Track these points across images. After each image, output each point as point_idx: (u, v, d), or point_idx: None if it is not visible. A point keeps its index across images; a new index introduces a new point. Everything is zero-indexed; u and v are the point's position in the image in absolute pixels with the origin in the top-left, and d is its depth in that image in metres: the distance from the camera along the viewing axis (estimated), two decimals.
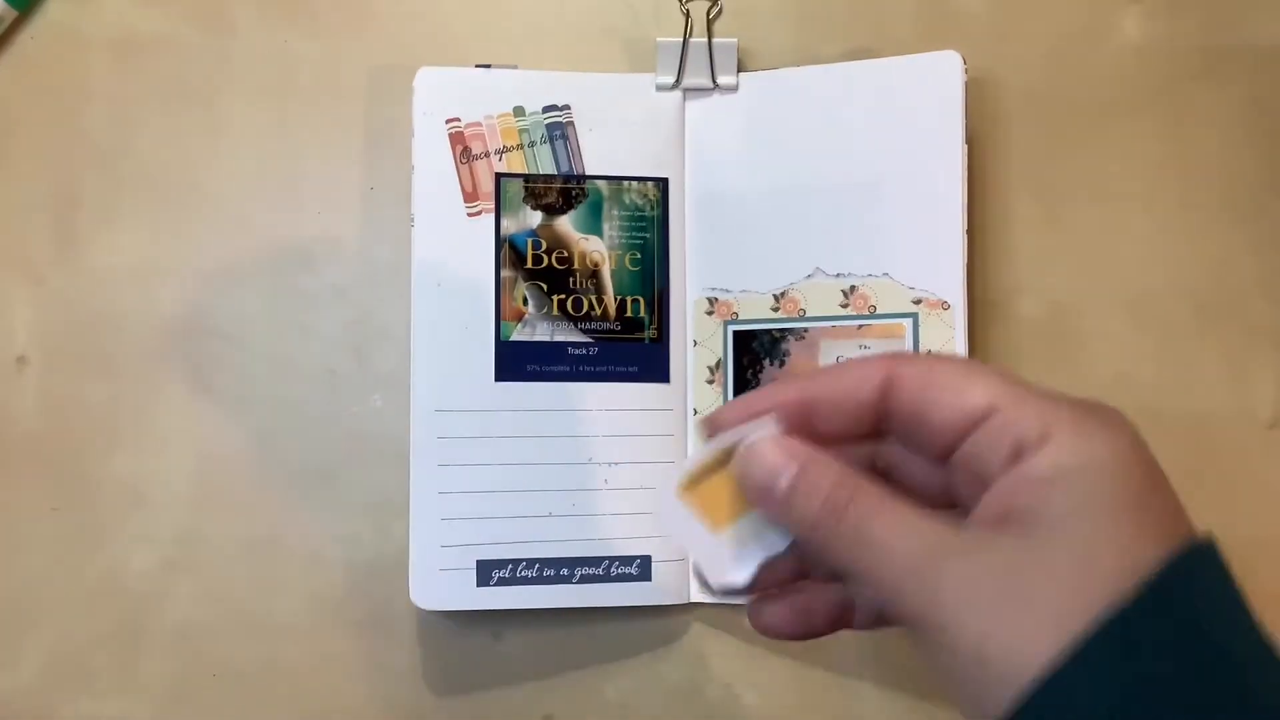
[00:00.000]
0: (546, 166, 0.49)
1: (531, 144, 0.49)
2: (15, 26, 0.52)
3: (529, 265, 0.49)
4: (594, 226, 0.50)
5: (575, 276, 0.49)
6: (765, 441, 0.30)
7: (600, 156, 0.50)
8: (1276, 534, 0.49)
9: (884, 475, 0.31)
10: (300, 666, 0.50)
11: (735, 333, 0.50)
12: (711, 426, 0.31)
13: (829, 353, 0.49)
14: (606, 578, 0.48)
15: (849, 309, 0.49)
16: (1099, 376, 0.50)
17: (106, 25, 0.52)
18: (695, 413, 0.50)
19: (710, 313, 0.50)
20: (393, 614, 0.50)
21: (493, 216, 0.49)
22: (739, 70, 0.50)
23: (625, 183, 0.50)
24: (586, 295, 0.50)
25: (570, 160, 0.50)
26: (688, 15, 0.49)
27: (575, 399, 0.49)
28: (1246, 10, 0.52)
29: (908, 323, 0.48)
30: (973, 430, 0.28)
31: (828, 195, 0.49)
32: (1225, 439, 0.50)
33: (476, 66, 0.50)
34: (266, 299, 0.51)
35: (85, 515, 0.50)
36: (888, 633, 0.49)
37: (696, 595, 0.49)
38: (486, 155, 0.49)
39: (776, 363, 0.49)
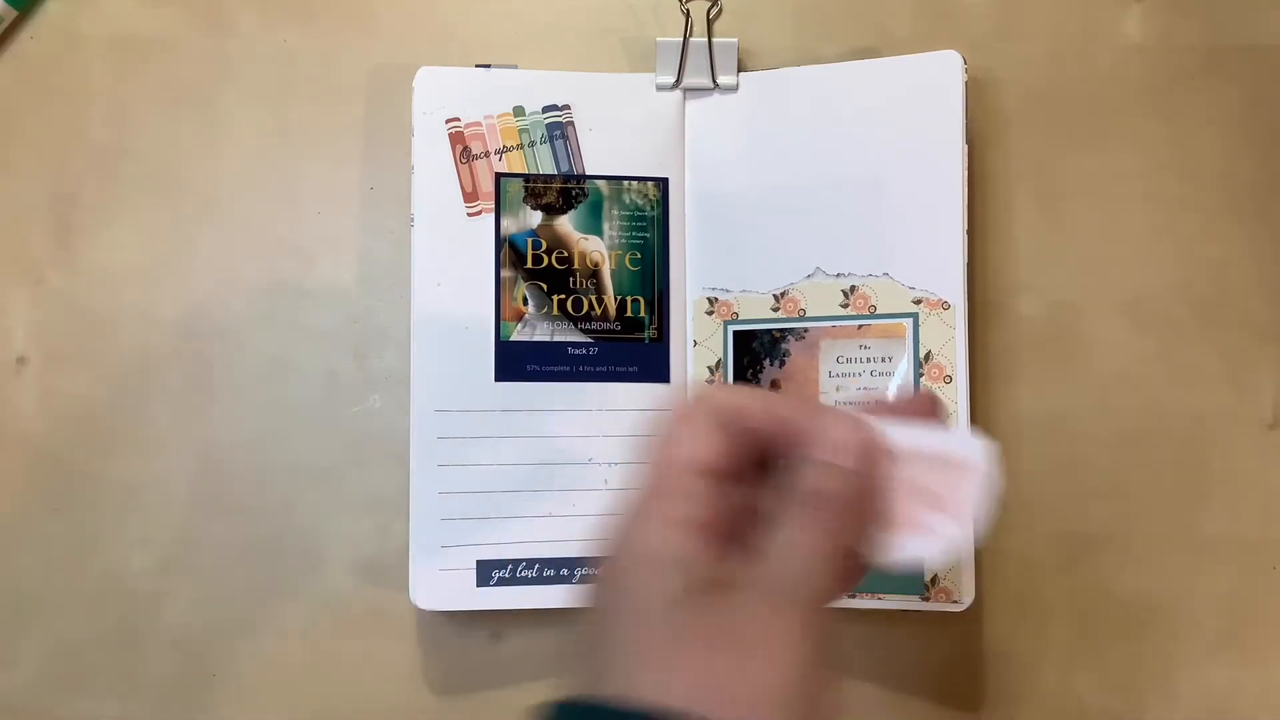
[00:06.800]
0: (546, 166, 0.49)
1: (531, 144, 0.49)
2: (15, 26, 0.52)
3: (529, 265, 0.49)
4: (594, 226, 0.50)
5: (575, 276, 0.49)
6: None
7: (600, 156, 0.50)
8: (1277, 534, 0.49)
9: None
10: (300, 666, 0.50)
11: (735, 333, 0.50)
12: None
13: (829, 353, 0.49)
14: None
15: (849, 309, 0.49)
16: (1099, 376, 0.50)
17: (106, 25, 0.52)
18: None
19: (710, 313, 0.50)
20: (393, 614, 0.50)
21: (493, 216, 0.49)
22: (739, 70, 0.50)
23: (625, 183, 0.50)
24: (586, 295, 0.49)
25: (570, 160, 0.50)
26: (688, 15, 0.49)
27: (575, 399, 0.49)
28: (1246, 10, 0.52)
29: (908, 322, 0.48)
30: None
31: (828, 195, 0.49)
32: (1225, 439, 0.50)
33: (476, 66, 0.50)
34: (266, 299, 0.51)
35: (84, 515, 0.50)
36: (888, 632, 0.49)
37: None
38: (486, 155, 0.49)
39: (776, 363, 0.49)
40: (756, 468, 0.31)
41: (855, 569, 0.31)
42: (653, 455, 0.30)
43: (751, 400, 0.31)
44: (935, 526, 0.31)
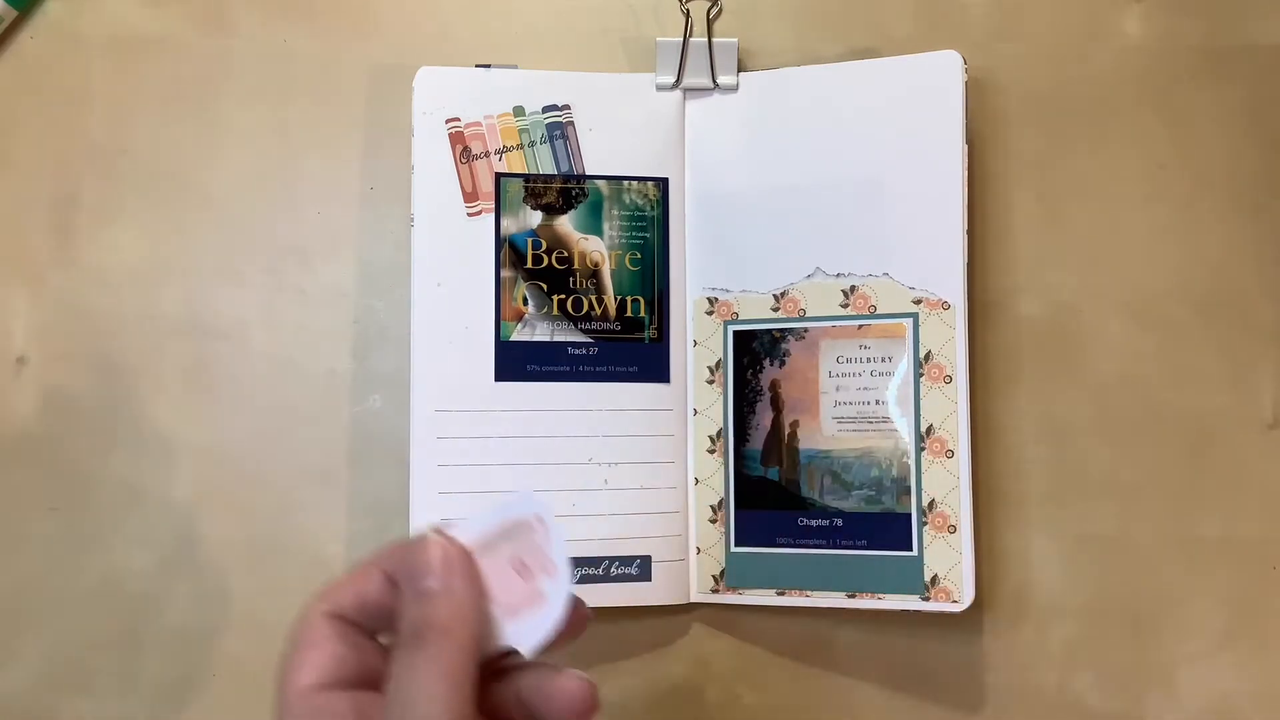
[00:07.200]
0: (546, 166, 0.49)
1: (531, 144, 0.49)
2: (15, 26, 0.52)
3: (529, 265, 0.49)
4: (594, 226, 0.50)
5: (575, 276, 0.49)
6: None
7: (600, 156, 0.50)
8: (1277, 534, 0.49)
9: None
10: None
11: (735, 333, 0.50)
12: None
13: (829, 353, 0.49)
14: (606, 578, 0.48)
15: (849, 309, 0.49)
16: (1099, 376, 0.50)
17: (106, 25, 0.52)
18: (695, 413, 0.50)
19: (710, 313, 0.50)
20: None
21: (493, 216, 0.49)
22: (739, 70, 0.50)
23: (625, 183, 0.50)
24: (586, 295, 0.49)
25: (570, 160, 0.50)
26: (688, 15, 0.49)
27: (575, 399, 0.49)
28: (1246, 10, 0.52)
29: (908, 322, 0.48)
30: None
31: (828, 195, 0.49)
32: (1225, 439, 0.50)
33: (476, 66, 0.50)
34: (266, 299, 0.51)
35: (84, 515, 0.50)
36: (888, 632, 0.49)
37: (696, 595, 0.49)
38: (486, 155, 0.49)
39: (776, 363, 0.49)
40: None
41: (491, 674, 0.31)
42: (278, 683, 0.31)
43: (367, 579, 0.32)
44: (537, 591, 0.32)
